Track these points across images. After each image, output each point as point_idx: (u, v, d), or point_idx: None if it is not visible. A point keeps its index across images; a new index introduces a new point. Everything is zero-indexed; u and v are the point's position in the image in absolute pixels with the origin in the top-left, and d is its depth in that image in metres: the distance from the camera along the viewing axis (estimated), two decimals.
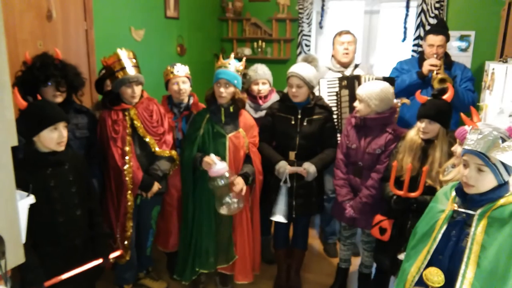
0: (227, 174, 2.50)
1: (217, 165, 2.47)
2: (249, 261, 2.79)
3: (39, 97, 2.10)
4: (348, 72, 3.21)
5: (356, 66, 3.28)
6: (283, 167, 2.64)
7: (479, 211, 1.51)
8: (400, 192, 2.25)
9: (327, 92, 3.08)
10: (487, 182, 1.49)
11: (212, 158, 2.49)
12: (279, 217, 2.65)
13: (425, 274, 1.53)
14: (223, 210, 2.52)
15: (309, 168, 2.62)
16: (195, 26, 4.50)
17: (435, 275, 1.50)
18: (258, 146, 2.75)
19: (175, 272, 2.81)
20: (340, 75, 3.17)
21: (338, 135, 2.89)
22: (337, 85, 3.03)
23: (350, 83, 2.96)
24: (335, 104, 3.05)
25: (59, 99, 2.32)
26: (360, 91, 2.53)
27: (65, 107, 2.32)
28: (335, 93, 3.04)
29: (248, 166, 2.65)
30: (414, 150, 2.31)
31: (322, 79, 3.13)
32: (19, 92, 2.05)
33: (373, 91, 2.50)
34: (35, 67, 2.23)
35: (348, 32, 3.25)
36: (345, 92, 2.96)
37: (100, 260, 2.12)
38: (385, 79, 2.83)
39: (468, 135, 1.52)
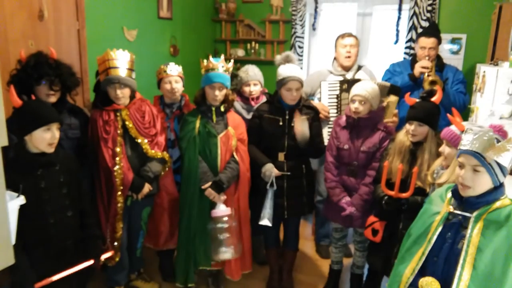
0: (226, 219, 2.60)
1: (221, 208, 2.60)
2: (239, 258, 2.79)
3: (33, 97, 2.09)
4: (349, 75, 3.20)
5: (359, 68, 3.27)
6: (269, 171, 2.64)
7: (475, 213, 1.52)
8: (392, 193, 2.27)
9: (328, 94, 3.09)
10: (483, 183, 1.50)
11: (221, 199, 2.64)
12: (265, 221, 2.66)
13: (421, 284, 1.53)
14: (218, 255, 2.61)
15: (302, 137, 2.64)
16: (188, 26, 4.50)
17: (432, 286, 1.51)
18: (247, 148, 2.76)
19: (177, 279, 2.79)
20: (341, 78, 3.17)
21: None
22: (338, 88, 3.04)
23: (350, 86, 2.97)
24: (335, 107, 3.06)
25: (53, 99, 2.31)
26: (362, 91, 2.51)
27: (58, 107, 2.31)
28: (335, 96, 3.05)
29: (226, 171, 2.63)
30: (403, 153, 2.33)
31: (323, 81, 3.13)
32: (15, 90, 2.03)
33: (375, 90, 2.54)
34: (29, 66, 2.22)
35: (350, 35, 3.23)
36: (345, 95, 2.96)
37: (91, 261, 2.10)
38: (392, 87, 2.84)
39: (463, 136, 1.52)
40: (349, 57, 3.18)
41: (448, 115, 2.00)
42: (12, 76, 2.24)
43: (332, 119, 3.05)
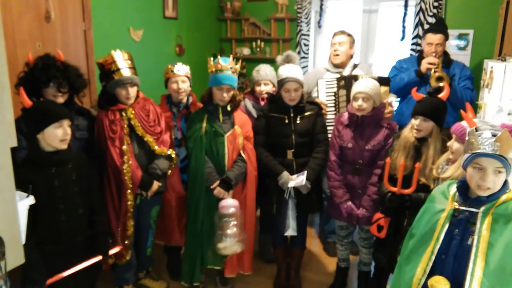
0: (232, 210, 2.57)
1: (228, 200, 2.58)
2: (234, 256, 2.79)
3: (42, 99, 2.13)
4: (346, 72, 3.20)
5: (355, 66, 3.26)
6: (286, 183, 2.64)
7: (482, 208, 1.50)
8: (394, 189, 2.26)
9: (325, 92, 3.08)
10: (501, 182, 1.49)
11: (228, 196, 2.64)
12: (291, 231, 2.68)
13: (431, 283, 1.52)
14: (222, 249, 2.57)
15: (301, 189, 2.67)
16: (193, 26, 4.50)
17: (442, 284, 1.50)
18: (256, 152, 2.75)
19: (182, 278, 2.80)
20: (338, 75, 3.17)
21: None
22: (335, 85, 3.03)
23: (347, 83, 2.97)
24: (333, 104, 3.06)
25: (61, 100, 2.34)
26: (364, 88, 2.51)
27: (66, 108, 2.34)
28: (333, 93, 3.05)
29: (233, 169, 2.64)
30: (407, 149, 2.32)
31: (320, 79, 3.13)
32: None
33: (377, 87, 2.54)
34: (37, 68, 2.26)
35: (341, 33, 3.22)
36: (342, 92, 2.96)
37: (99, 257, 2.14)
38: (380, 78, 2.84)
39: (480, 138, 1.48)
40: (336, 55, 3.18)
41: (461, 111, 1.97)
42: (19, 78, 2.27)
43: (329, 116, 3.05)
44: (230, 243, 2.55)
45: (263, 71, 3.06)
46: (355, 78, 2.92)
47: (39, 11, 2.77)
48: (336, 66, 3.23)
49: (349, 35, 3.23)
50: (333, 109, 3.05)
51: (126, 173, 2.48)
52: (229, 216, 2.56)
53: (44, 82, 2.25)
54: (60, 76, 2.28)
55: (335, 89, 3.03)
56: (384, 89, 2.83)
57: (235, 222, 2.57)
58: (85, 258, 2.08)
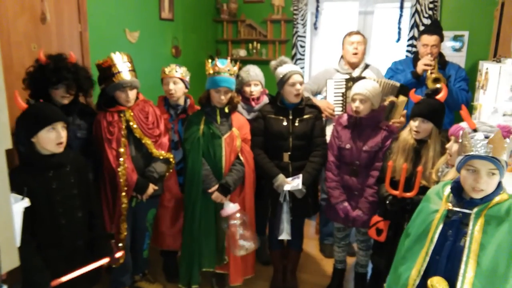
0: (238, 215, 2.59)
1: (229, 206, 2.58)
2: (240, 262, 2.79)
3: (41, 100, 2.12)
4: (356, 73, 3.20)
5: (367, 66, 3.26)
6: (281, 186, 2.64)
7: (475, 209, 1.51)
8: (396, 192, 2.25)
9: (334, 92, 3.09)
10: (495, 183, 1.50)
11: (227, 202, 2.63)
12: (284, 235, 2.68)
13: (431, 283, 1.52)
14: (238, 251, 2.60)
15: (296, 193, 2.66)
16: (190, 27, 4.50)
17: (442, 285, 1.50)
18: (253, 153, 2.74)
19: (180, 281, 2.79)
20: (347, 76, 3.16)
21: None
22: (344, 86, 3.04)
23: None
24: (340, 105, 3.06)
25: (66, 101, 2.37)
26: (363, 90, 2.51)
27: (70, 108, 2.38)
28: (341, 94, 3.05)
29: (231, 173, 2.63)
30: (406, 151, 2.32)
31: (329, 79, 3.13)
32: (29, 90, 2.18)
33: (376, 89, 2.54)
34: (48, 69, 2.27)
35: (358, 33, 3.23)
36: (350, 93, 2.97)
37: (106, 259, 2.12)
38: (401, 87, 2.84)
39: (473, 140, 1.49)
40: (356, 54, 3.17)
41: (461, 112, 1.98)
42: (28, 73, 2.29)
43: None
44: (241, 245, 2.58)
45: (253, 71, 3.05)
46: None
47: (35, 13, 2.75)
48: (348, 66, 3.22)
49: (363, 36, 3.25)
50: (340, 109, 3.06)
51: (121, 175, 2.46)
52: (233, 219, 2.57)
53: (54, 83, 2.27)
54: (70, 78, 2.31)
55: (343, 90, 3.04)
56: (403, 98, 2.83)
57: (241, 224, 2.58)
58: (86, 262, 2.04)
